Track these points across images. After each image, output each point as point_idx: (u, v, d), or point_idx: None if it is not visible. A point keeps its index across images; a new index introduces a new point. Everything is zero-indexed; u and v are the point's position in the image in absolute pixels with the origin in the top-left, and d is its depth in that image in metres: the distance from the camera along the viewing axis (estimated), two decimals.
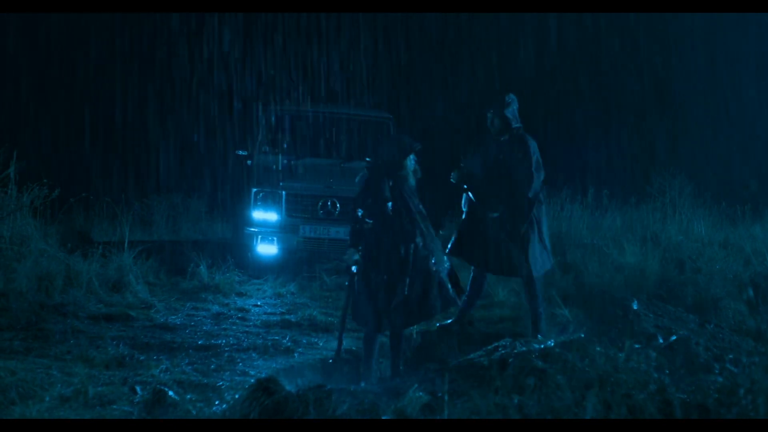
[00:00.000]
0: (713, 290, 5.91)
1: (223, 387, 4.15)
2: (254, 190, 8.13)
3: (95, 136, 16.74)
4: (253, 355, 5.04)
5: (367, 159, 8.12)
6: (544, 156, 5.30)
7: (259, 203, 8.09)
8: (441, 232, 5.32)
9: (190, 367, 4.54)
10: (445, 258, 4.56)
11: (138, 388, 3.93)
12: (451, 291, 4.43)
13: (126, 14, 16.20)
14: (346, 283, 4.64)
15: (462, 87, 17.45)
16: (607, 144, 16.40)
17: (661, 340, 3.47)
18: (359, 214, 4.40)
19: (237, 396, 3.53)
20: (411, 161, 4.51)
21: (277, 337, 5.51)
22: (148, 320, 5.84)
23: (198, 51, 15.45)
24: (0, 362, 4.18)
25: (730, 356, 3.22)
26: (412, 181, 4.51)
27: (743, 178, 13.98)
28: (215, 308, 6.48)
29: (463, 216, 5.39)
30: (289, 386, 3.33)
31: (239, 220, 8.90)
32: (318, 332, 5.78)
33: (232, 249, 8.72)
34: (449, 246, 5.25)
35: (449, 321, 5.45)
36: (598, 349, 3.10)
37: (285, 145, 8.61)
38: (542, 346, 3.58)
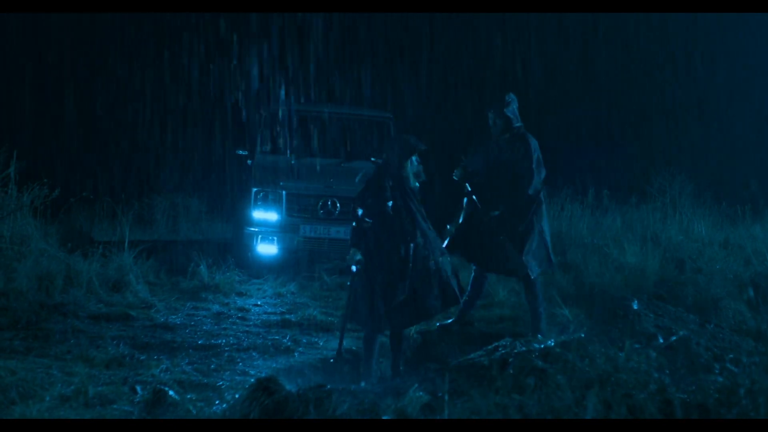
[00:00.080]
0: (713, 290, 5.90)
1: (223, 387, 4.15)
2: (254, 189, 8.12)
3: (95, 135, 16.77)
4: (254, 354, 5.03)
5: (372, 159, 8.15)
6: (544, 156, 5.31)
7: (259, 203, 8.09)
8: (448, 227, 5.30)
9: (190, 367, 4.54)
10: (447, 258, 4.55)
11: (138, 388, 3.93)
12: (455, 289, 4.41)
13: (126, 14, 16.22)
14: (348, 283, 4.64)
15: (462, 87, 17.46)
16: (607, 144, 16.42)
17: (661, 340, 3.47)
18: (359, 213, 4.39)
19: (237, 396, 3.53)
20: (413, 162, 4.50)
21: (277, 337, 5.51)
22: (148, 320, 5.83)
23: (199, 50, 15.47)
24: (0, 362, 4.18)
25: (731, 356, 3.22)
26: (414, 182, 4.50)
27: (743, 178, 13.97)
28: (215, 308, 6.48)
29: (463, 214, 5.39)
30: (289, 386, 3.33)
31: (239, 220, 8.89)
32: (318, 332, 5.77)
33: (233, 249, 8.72)
34: (446, 242, 5.24)
35: (449, 321, 5.46)
36: (599, 348, 3.10)
37: (285, 145, 8.60)
38: (542, 346, 3.56)
